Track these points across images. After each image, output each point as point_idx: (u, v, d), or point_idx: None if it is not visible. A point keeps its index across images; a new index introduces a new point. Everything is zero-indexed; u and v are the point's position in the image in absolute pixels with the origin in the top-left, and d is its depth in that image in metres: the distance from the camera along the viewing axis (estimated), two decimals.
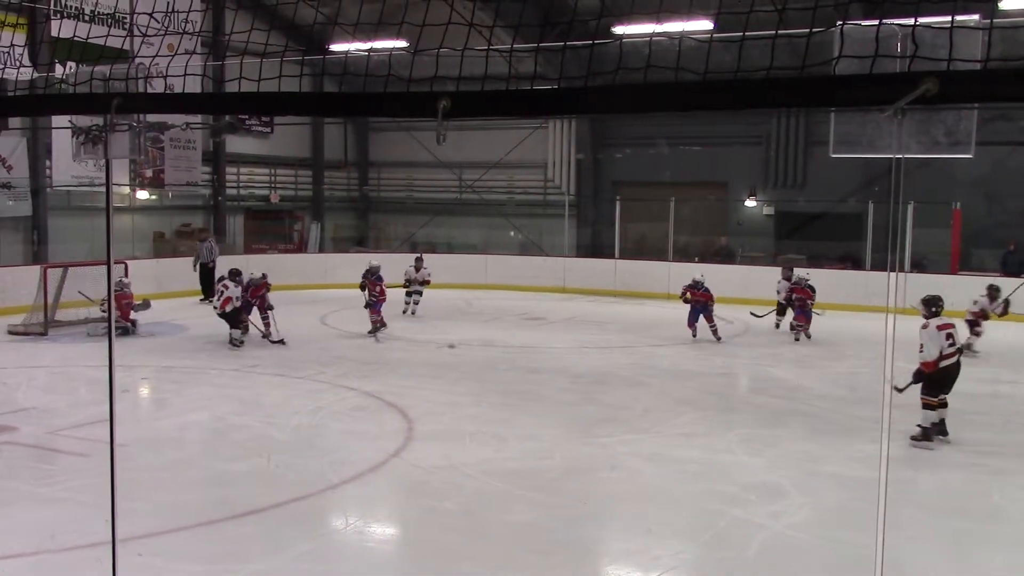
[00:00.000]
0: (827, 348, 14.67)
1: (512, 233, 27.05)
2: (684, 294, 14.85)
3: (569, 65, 5.41)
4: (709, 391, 11.35)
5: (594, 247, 25.53)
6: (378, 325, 14.51)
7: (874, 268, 20.69)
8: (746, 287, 19.69)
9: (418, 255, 19.15)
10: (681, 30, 14.28)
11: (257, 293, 14.18)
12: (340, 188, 29.74)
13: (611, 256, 23.97)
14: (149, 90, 3.74)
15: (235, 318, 13.64)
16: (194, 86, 10.09)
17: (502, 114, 3.18)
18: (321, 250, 26.33)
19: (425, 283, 18.20)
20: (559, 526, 6.64)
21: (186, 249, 21.94)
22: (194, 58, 15.74)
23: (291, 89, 3.29)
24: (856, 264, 21.58)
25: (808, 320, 14.97)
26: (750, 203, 25.05)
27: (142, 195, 23.04)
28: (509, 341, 15.26)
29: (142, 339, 14.54)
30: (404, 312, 17.65)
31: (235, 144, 25.46)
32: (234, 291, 13.67)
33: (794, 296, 15.28)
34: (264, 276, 14.37)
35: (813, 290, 15.10)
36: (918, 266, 20.88)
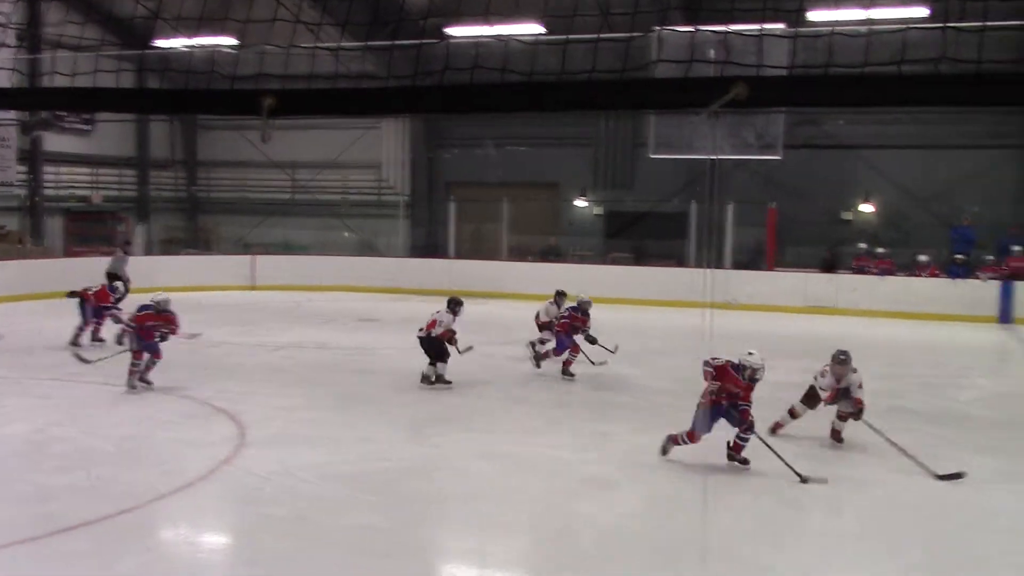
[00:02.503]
0: (658, 342, 15.18)
1: (346, 234, 26.76)
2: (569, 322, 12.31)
3: (398, 64, 5.40)
4: (543, 388, 11.54)
5: (429, 247, 25.57)
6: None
7: (698, 265, 21.50)
8: (579, 286, 20.13)
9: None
10: (509, 32, 14.50)
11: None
12: (167, 188, 28.70)
13: (446, 256, 24.08)
14: None
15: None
16: (5, 80, 9.56)
17: (330, 113, 3.16)
18: (147, 253, 25.32)
19: None
20: (396, 528, 6.62)
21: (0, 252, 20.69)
22: (4, 51, 14.89)
23: (109, 84, 3.17)
24: (680, 262, 22.37)
25: (577, 350, 12.23)
26: (580, 203, 25.63)
27: None
28: (343, 343, 15.10)
29: None
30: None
31: (54, 142, 24.19)
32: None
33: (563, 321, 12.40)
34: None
35: (586, 314, 12.33)
36: (738, 263, 21.87)
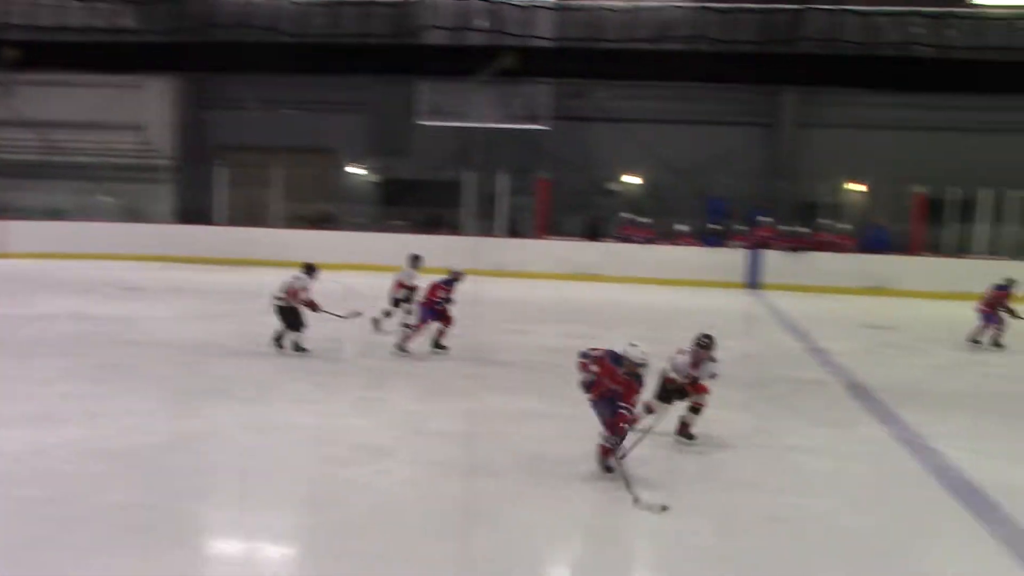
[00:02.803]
0: None
1: (106, 198, 25.27)
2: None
3: (159, 19, 5.13)
4: (317, 357, 11.39)
5: (197, 213, 24.57)
6: None
7: (472, 233, 21.80)
8: (351, 253, 20.00)
9: None
10: None
11: None
12: None
13: (214, 223, 23.24)
14: None
15: None
16: None
17: (82, 69, 2.97)
18: None
19: None
20: (158, 503, 6.36)
21: None
22: None
23: None
24: (455, 230, 22.61)
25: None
26: (356, 170, 25.36)
27: None
28: (103, 313, 14.31)
29: None
30: None
31: None
32: None
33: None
34: None
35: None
36: (511, 231, 22.36)
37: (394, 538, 5.87)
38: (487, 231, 21.61)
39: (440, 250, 20.46)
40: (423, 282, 12.41)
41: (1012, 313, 14.20)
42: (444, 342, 11.92)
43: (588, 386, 7.07)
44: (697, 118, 24.16)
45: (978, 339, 14.37)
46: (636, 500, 6.35)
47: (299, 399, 9.33)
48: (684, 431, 8.07)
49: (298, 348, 11.36)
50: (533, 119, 19.67)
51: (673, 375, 7.84)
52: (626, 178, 24.78)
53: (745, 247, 21.77)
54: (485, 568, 5.44)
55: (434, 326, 11.86)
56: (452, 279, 12.13)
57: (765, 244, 21.75)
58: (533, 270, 20.83)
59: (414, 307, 12.37)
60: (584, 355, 7.12)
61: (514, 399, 9.66)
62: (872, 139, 23.98)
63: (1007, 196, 22.37)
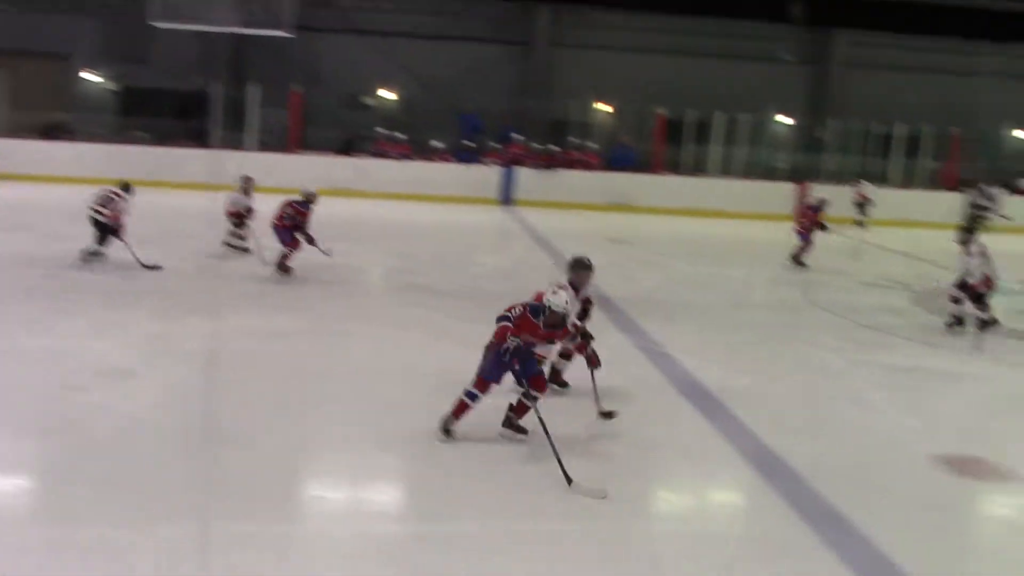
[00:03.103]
0: (178, 224, 14.62)
1: None
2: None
3: None
4: (51, 276, 10.66)
5: None
6: None
7: (220, 146, 20.87)
8: (82, 165, 18.71)
9: None
10: None
11: None
12: None
13: None
14: None
15: None
16: None
17: None
18: None
19: None
20: None
21: None
22: None
23: None
24: (201, 142, 21.53)
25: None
26: (92, 77, 23.60)
27: None
28: None
29: None
30: None
31: None
32: None
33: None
34: None
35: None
36: (262, 145, 21.59)
37: (138, 460, 5.67)
38: (236, 144, 20.77)
39: (186, 164, 19.67)
40: (259, 204, 12.35)
41: (823, 228, 15.25)
42: (290, 263, 11.42)
43: (516, 352, 6.10)
44: (451, 34, 24.14)
45: (801, 260, 15.17)
46: (570, 482, 5.53)
47: (31, 321, 8.72)
48: (556, 379, 7.41)
49: (92, 254, 11.19)
50: (276, 25, 18.75)
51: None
52: (382, 93, 24.48)
53: (499, 164, 22.15)
54: (236, 489, 5.37)
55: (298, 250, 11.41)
56: (306, 200, 11.57)
57: (518, 161, 22.21)
58: (285, 185, 20.26)
59: (252, 230, 12.28)
60: (506, 319, 6.14)
61: (265, 317, 9.48)
62: (620, 61, 24.85)
63: (739, 120, 23.89)
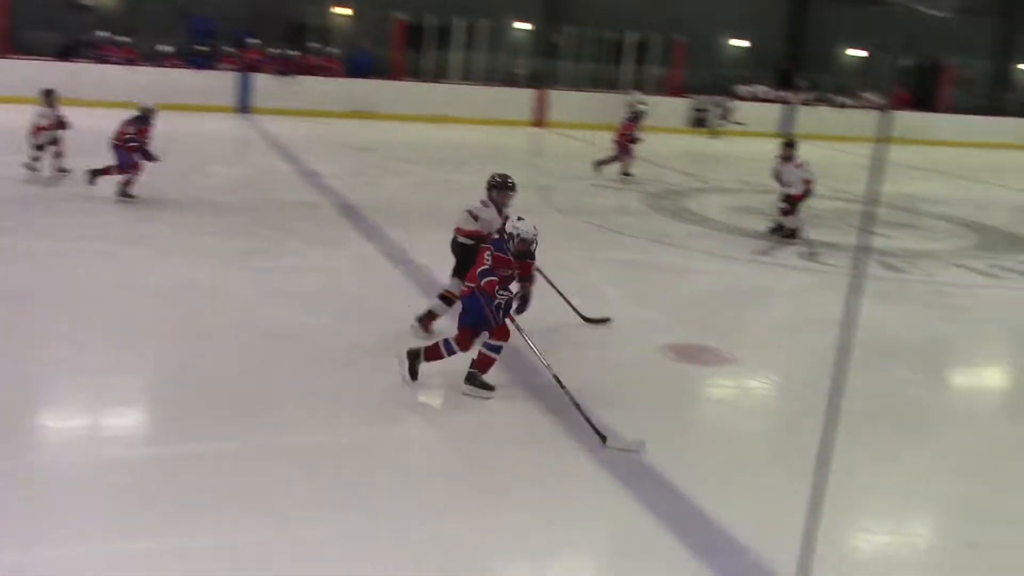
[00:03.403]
0: None
1: None
2: None
3: None
4: None
5: None
6: None
7: None
8: None
9: None
10: None
11: None
12: None
13: None
14: None
15: None
16: None
17: None
18: None
19: None
20: None
21: None
22: None
23: None
24: None
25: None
26: None
27: None
28: None
29: None
30: None
31: None
32: None
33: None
34: None
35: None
36: None
37: None
38: None
39: None
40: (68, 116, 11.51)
41: (635, 140, 15.47)
42: (132, 191, 10.57)
43: (507, 306, 5.79)
44: None
45: (627, 171, 15.35)
46: (604, 440, 5.14)
47: None
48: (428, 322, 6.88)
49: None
50: None
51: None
52: None
53: (234, 70, 21.20)
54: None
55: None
56: (143, 116, 10.62)
57: (254, 67, 21.34)
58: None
59: (61, 147, 11.39)
60: (487, 273, 5.73)
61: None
62: None
63: (478, 25, 24.02)
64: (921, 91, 27.55)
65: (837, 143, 23.06)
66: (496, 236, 6.11)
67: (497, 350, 5.80)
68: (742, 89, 25.63)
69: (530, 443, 5.23)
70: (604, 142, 16.05)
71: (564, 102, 23.16)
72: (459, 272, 6.62)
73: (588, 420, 5.26)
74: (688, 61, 26.10)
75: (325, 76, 22.16)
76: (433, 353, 5.85)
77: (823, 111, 25.88)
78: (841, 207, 13.81)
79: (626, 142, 15.42)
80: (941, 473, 5.25)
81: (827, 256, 10.48)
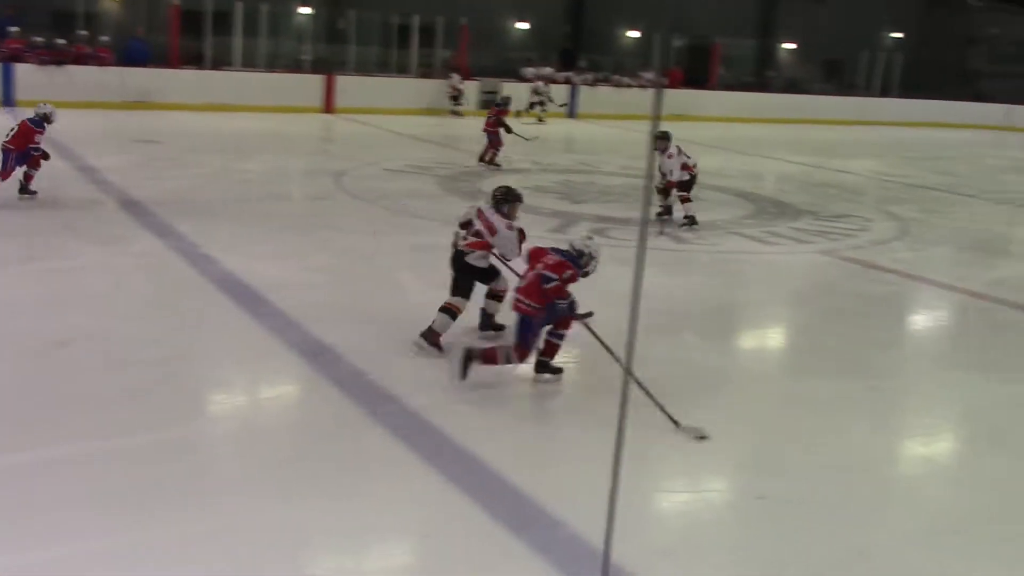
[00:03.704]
0: None
1: None
2: None
3: None
4: None
5: None
6: None
7: None
8: None
9: None
10: None
11: None
12: None
13: None
14: None
15: None
16: None
17: None
18: None
19: None
20: None
21: None
22: None
23: None
24: None
25: None
26: None
27: None
28: None
29: None
30: None
31: None
32: None
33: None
34: None
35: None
36: None
37: None
38: None
39: None
40: None
41: (508, 129, 15.20)
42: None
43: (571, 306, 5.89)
44: None
45: (494, 160, 15.14)
46: (678, 425, 5.34)
47: None
48: (492, 322, 6.82)
49: None
50: None
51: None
52: None
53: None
54: None
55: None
56: (41, 120, 10.54)
57: (17, 57, 19.96)
58: None
59: None
60: (550, 279, 5.70)
61: None
62: None
63: (259, 10, 23.39)
64: (694, 70, 28.96)
65: (621, 121, 23.98)
66: (571, 251, 5.93)
67: (563, 338, 5.96)
68: (529, 71, 26.14)
69: (335, 434, 5.21)
70: (397, 126, 16.05)
71: (353, 87, 22.95)
72: (462, 290, 6.46)
73: (662, 408, 5.40)
74: (473, 44, 26.38)
75: (97, 65, 20.94)
76: (489, 357, 5.81)
77: (605, 91, 26.78)
78: (627, 182, 14.40)
79: (495, 129, 15.47)
80: (733, 432, 5.60)
81: (617, 231, 10.91)
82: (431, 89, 24.20)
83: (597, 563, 3.27)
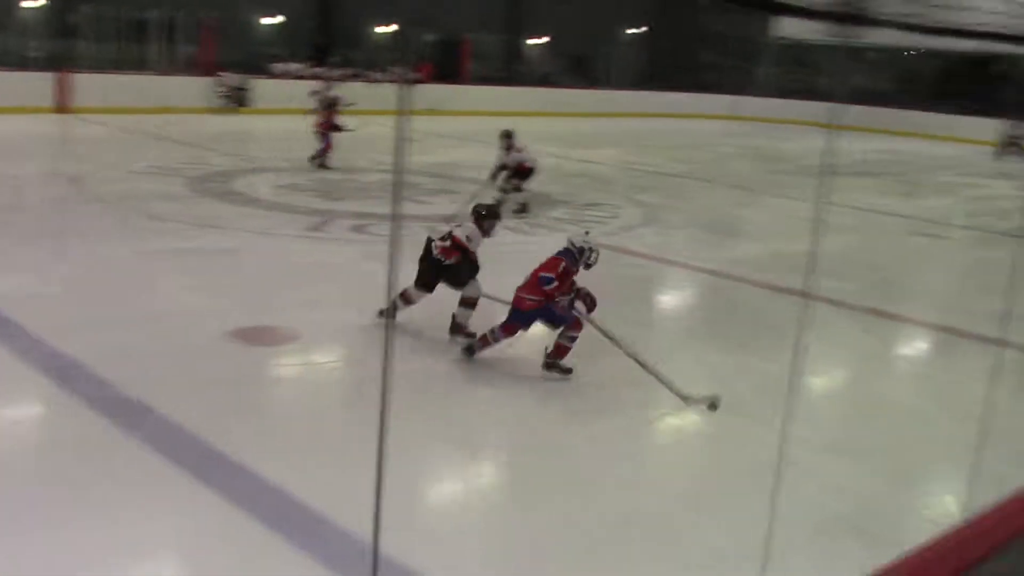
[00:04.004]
0: None
1: None
2: None
3: None
4: None
5: None
6: None
7: None
8: None
9: None
10: None
11: None
12: None
13: None
14: None
15: None
16: None
17: None
18: None
19: None
20: None
21: None
22: None
23: None
24: None
25: None
26: None
27: None
28: None
29: None
30: None
31: None
32: None
33: None
34: None
35: None
36: None
37: None
38: None
39: None
40: None
41: (339, 128, 14.84)
42: None
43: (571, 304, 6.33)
44: None
45: (324, 162, 14.91)
46: (687, 400, 5.86)
47: None
48: (462, 330, 6.90)
49: None
50: None
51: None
52: None
53: None
54: None
55: None
56: None
57: None
58: None
59: None
60: (554, 281, 6.23)
61: None
62: None
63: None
64: (445, 64, 29.28)
65: (375, 116, 23.88)
66: (571, 248, 6.41)
67: (574, 340, 6.27)
68: (277, 67, 25.57)
69: (89, 454, 4.93)
70: (143, 126, 15.29)
71: (90, 85, 21.61)
72: (426, 283, 6.80)
73: (669, 386, 5.84)
74: (219, 39, 25.50)
75: None
76: (483, 341, 6.47)
77: (357, 87, 26.59)
78: (383, 179, 14.40)
79: (326, 130, 15.20)
80: (502, 418, 5.77)
81: (376, 226, 10.90)
82: (179, 87, 23.21)
83: (368, 557, 3.29)
